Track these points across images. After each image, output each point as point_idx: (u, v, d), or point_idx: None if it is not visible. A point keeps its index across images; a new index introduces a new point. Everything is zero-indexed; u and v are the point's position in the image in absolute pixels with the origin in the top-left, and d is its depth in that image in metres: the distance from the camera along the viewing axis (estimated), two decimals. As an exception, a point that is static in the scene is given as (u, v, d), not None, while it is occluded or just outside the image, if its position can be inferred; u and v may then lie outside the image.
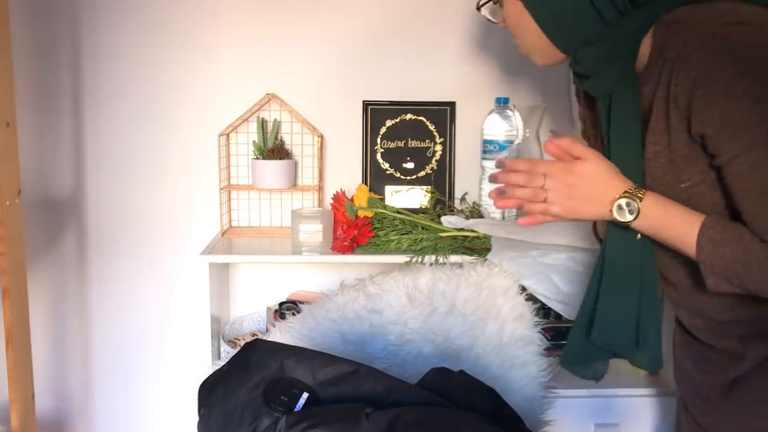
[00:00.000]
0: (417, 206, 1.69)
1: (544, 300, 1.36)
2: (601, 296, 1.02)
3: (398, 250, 1.50)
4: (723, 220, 0.90)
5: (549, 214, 0.95)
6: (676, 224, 0.92)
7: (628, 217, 0.92)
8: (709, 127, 0.86)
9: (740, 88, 0.84)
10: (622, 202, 0.92)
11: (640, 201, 0.92)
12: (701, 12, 0.89)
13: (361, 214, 1.57)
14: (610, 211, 0.93)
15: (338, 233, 1.55)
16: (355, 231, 1.50)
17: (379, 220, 1.59)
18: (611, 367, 1.64)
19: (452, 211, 1.65)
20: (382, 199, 1.69)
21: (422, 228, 1.56)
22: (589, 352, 1.07)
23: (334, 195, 1.63)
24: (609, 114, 0.99)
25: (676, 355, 1.17)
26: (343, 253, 1.49)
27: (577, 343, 1.07)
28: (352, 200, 1.60)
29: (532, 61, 1.06)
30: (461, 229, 1.53)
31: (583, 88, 1.08)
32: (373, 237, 1.54)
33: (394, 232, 1.55)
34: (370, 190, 1.68)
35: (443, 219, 1.56)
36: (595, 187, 0.93)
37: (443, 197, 1.70)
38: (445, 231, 1.54)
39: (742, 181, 0.86)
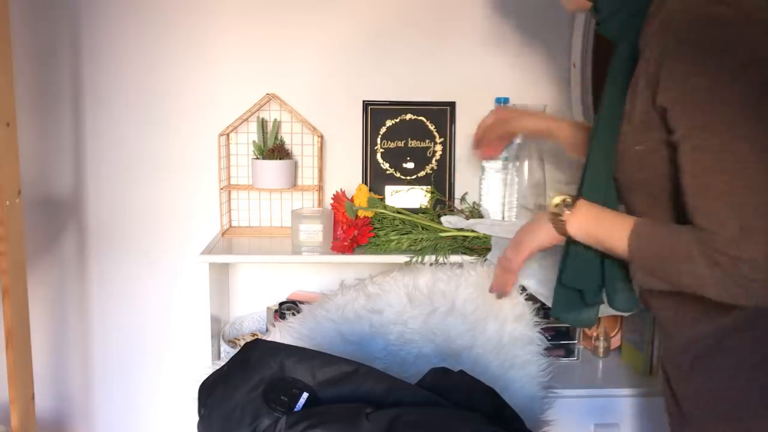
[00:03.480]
0: (417, 206, 1.69)
1: (544, 300, 1.36)
2: (570, 242, 1.07)
3: (398, 250, 1.51)
4: (654, 221, 0.95)
5: (512, 268, 1.16)
6: (609, 223, 0.98)
7: (566, 211, 1.02)
8: (668, 101, 0.87)
9: (703, 68, 0.84)
10: (558, 200, 1.04)
11: (573, 202, 1.02)
12: None
13: (361, 214, 1.57)
14: (551, 216, 1.05)
15: (338, 233, 1.55)
16: (355, 231, 1.50)
17: (379, 220, 1.59)
18: (611, 367, 1.65)
19: (452, 210, 1.65)
20: (382, 199, 1.69)
21: (422, 228, 1.56)
22: (573, 301, 1.11)
23: (334, 195, 1.63)
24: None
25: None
26: (343, 253, 1.49)
27: (559, 290, 1.13)
28: (352, 200, 1.60)
29: (562, 4, 1.11)
30: (461, 229, 1.53)
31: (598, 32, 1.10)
32: (373, 237, 1.54)
33: (394, 232, 1.54)
34: (370, 190, 1.68)
35: (443, 219, 1.56)
36: (529, 227, 1.12)
37: (443, 197, 1.70)
38: (445, 231, 1.54)
39: (686, 161, 0.87)
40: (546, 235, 1.08)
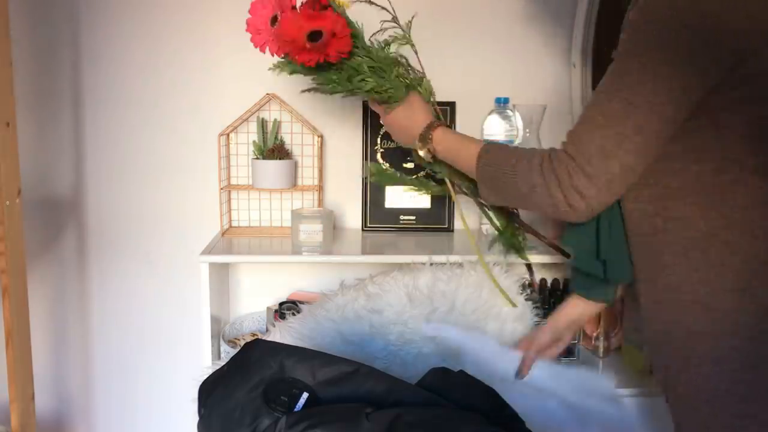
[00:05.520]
0: (417, 206, 1.69)
1: None
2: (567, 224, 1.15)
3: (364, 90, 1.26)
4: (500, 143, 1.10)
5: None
6: (464, 147, 1.14)
7: (423, 147, 1.19)
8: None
9: (637, 37, 0.90)
10: (421, 133, 1.20)
11: (433, 131, 1.19)
12: None
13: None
14: (414, 142, 1.21)
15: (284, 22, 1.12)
16: (326, 27, 1.11)
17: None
18: (611, 367, 1.65)
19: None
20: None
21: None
22: (587, 279, 1.18)
23: None
24: None
25: None
26: (301, 61, 1.11)
27: (574, 270, 1.21)
28: None
29: None
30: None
31: None
32: (348, 52, 1.20)
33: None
34: (370, 190, 1.68)
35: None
36: (404, 124, 1.25)
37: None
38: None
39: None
40: (412, 145, 1.24)
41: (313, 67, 1.16)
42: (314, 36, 1.10)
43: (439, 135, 1.19)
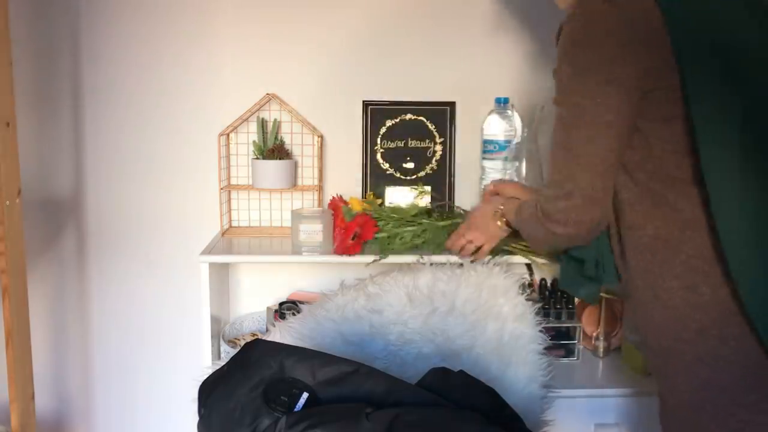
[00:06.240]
0: (417, 206, 1.69)
1: None
2: None
3: (404, 248, 1.50)
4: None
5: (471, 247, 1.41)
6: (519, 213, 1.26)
7: (502, 219, 1.33)
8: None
9: (561, 85, 1.06)
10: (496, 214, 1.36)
11: (503, 208, 1.33)
12: None
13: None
14: (495, 221, 1.35)
15: (336, 234, 1.55)
16: (356, 228, 1.49)
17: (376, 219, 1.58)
18: (611, 367, 1.65)
19: (452, 210, 1.65)
20: (381, 204, 1.68)
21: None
22: (575, 275, 1.31)
23: (330, 201, 1.63)
24: None
25: None
26: (351, 254, 1.48)
27: (565, 264, 1.34)
28: (348, 203, 1.59)
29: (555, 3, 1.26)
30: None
31: None
32: (378, 231, 1.52)
33: (398, 227, 1.54)
34: (369, 190, 1.68)
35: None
36: (480, 219, 1.40)
37: (441, 198, 1.70)
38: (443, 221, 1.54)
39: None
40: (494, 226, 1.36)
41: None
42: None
43: (510, 209, 1.32)
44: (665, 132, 1.01)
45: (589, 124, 1.02)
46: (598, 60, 1.00)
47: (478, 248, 1.40)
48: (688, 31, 0.98)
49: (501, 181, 1.50)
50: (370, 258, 1.48)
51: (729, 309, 0.98)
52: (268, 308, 1.71)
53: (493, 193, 1.43)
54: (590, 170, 1.03)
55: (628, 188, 1.08)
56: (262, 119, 1.70)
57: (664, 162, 1.02)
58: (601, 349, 1.69)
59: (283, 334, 1.35)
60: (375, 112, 1.71)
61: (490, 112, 1.61)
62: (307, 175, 1.74)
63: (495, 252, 1.44)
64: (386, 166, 1.71)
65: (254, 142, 1.70)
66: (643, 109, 1.01)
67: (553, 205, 1.08)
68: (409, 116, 1.71)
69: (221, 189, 1.67)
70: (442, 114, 1.71)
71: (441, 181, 1.72)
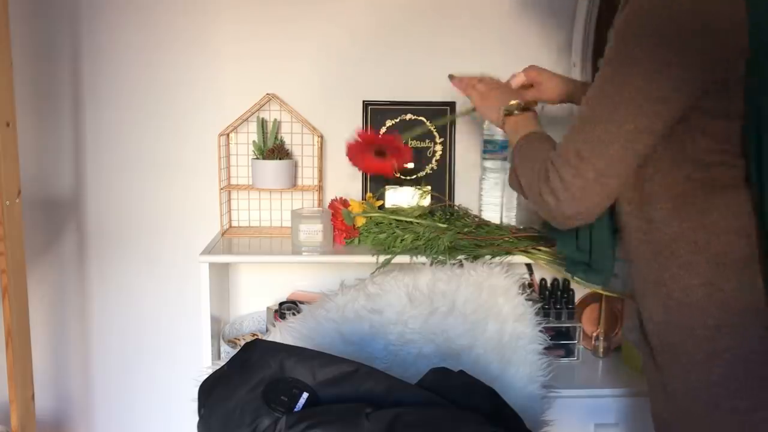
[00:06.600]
0: (417, 206, 1.69)
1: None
2: None
3: (404, 248, 1.49)
4: (546, 136, 1.11)
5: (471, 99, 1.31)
6: (520, 131, 1.15)
7: (503, 112, 1.20)
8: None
9: (621, 45, 0.92)
10: (514, 102, 1.20)
11: (522, 111, 1.19)
12: None
13: (359, 221, 1.56)
14: (501, 112, 1.22)
15: (336, 234, 1.55)
16: (384, 146, 1.52)
17: (376, 224, 1.58)
18: (611, 367, 1.65)
19: (452, 210, 1.65)
20: (382, 206, 1.68)
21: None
22: (578, 264, 1.26)
23: (330, 203, 1.62)
24: None
25: None
26: (349, 237, 1.52)
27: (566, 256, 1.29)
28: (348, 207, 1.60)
29: None
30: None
31: None
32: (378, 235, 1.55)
33: (396, 231, 1.55)
34: (369, 190, 1.68)
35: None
36: (495, 94, 1.27)
37: (442, 197, 1.70)
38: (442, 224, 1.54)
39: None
40: (495, 114, 1.24)
41: None
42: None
43: (523, 118, 1.20)
44: (717, 128, 0.94)
45: (636, 102, 0.91)
46: (673, 34, 0.88)
47: (473, 109, 1.33)
48: None
49: (543, 71, 1.36)
50: (370, 258, 1.48)
51: (755, 306, 0.96)
52: (268, 308, 1.71)
53: (527, 84, 1.34)
54: (619, 148, 0.93)
55: (655, 182, 1.00)
56: (262, 119, 1.70)
57: (709, 161, 0.96)
58: (601, 349, 1.69)
59: (283, 334, 1.35)
60: (375, 112, 1.71)
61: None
62: (307, 175, 1.74)
63: (495, 252, 1.44)
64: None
65: (254, 142, 1.70)
66: (700, 101, 0.93)
67: (556, 168, 0.98)
68: (409, 116, 1.71)
69: (221, 189, 1.67)
70: (442, 114, 1.71)
71: (441, 181, 1.72)
